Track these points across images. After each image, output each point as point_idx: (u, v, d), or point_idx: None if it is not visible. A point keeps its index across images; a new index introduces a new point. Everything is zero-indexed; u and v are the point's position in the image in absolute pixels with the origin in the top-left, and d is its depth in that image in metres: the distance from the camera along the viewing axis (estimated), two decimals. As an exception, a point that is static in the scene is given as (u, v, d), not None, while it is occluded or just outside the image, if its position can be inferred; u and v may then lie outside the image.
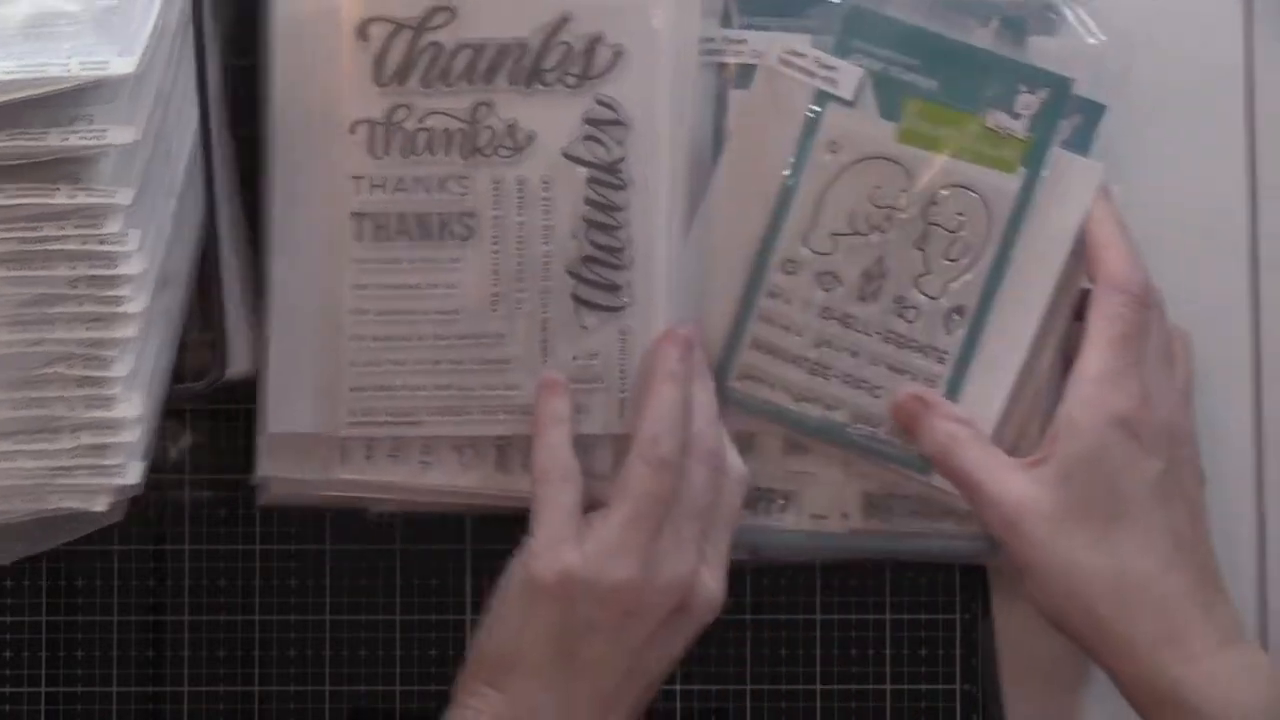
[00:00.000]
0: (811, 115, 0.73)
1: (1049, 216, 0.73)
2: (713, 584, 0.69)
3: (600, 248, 0.72)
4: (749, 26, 0.74)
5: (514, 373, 0.72)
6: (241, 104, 0.73)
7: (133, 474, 0.62)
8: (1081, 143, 0.74)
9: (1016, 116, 0.73)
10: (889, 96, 0.73)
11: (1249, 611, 0.77)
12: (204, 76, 0.65)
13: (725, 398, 0.73)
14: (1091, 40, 0.75)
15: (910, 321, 0.74)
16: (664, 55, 0.73)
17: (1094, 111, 0.74)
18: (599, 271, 0.72)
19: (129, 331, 0.61)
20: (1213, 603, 0.69)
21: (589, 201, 0.72)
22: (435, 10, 0.72)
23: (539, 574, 0.66)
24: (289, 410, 0.72)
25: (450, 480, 0.73)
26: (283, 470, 0.72)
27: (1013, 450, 0.72)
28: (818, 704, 0.78)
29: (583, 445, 0.71)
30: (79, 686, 0.77)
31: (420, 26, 0.72)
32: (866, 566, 0.78)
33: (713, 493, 0.69)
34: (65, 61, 0.59)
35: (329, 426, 0.72)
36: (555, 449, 0.69)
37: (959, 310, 0.74)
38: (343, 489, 0.73)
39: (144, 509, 0.76)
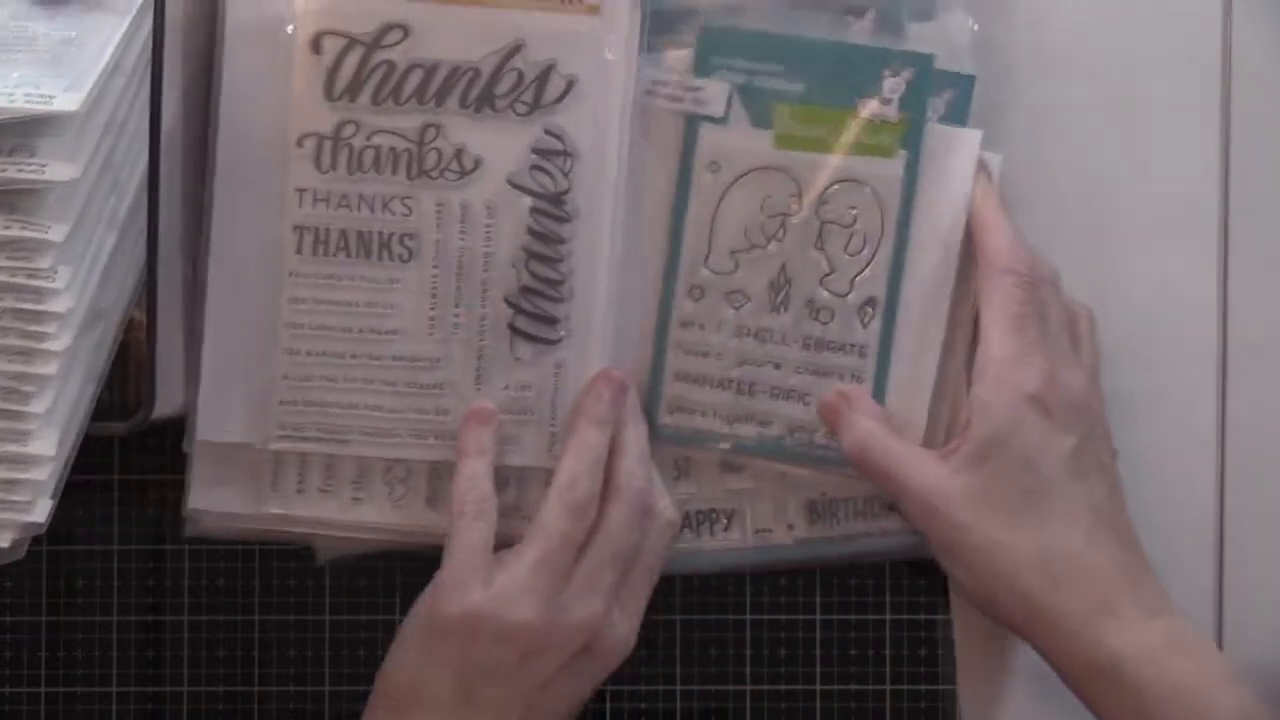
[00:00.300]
0: (687, 138, 0.73)
1: (936, 192, 0.73)
2: (623, 627, 0.69)
3: (540, 279, 0.72)
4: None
5: (447, 398, 0.72)
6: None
7: (40, 512, 0.62)
8: (958, 116, 0.73)
9: (886, 101, 0.73)
10: (758, 106, 0.73)
11: (1207, 605, 0.78)
12: (158, 111, 0.64)
13: (658, 435, 0.73)
14: (970, 22, 0.75)
15: (824, 323, 0.74)
16: (615, 88, 0.72)
17: (965, 84, 0.73)
18: (537, 303, 0.72)
19: (50, 369, 0.61)
20: (1139, 574, 0.69)
21: (531, 231, 0.72)
22: (389, 28, 0.71)
23: (442, 609, 0.67)
24: (219, 420, 0.72)
25: (381, 517, 0.73)
26: (213, 502, 0.73)
27: (950, 426, 0.73)
28: (818, 704, 0.79)
29: (513, 477, 0.72)
30: (79, 686, 0.78)
31: (373, 43, 0.71)
32: (865, 567, 0.79)
33: (635, 536, 0.70)
34: (11, 91, 0.59)
35: (258, 438, 0.72)
36: (474, 480, 0.69)
37: (870, 303, 0.73)
38: (273, 524, 0.73)
39: (144, 509, 0.77)
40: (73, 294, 0.61)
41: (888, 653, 0.79)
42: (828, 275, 0.74)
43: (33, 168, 0.58)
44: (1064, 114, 0.77)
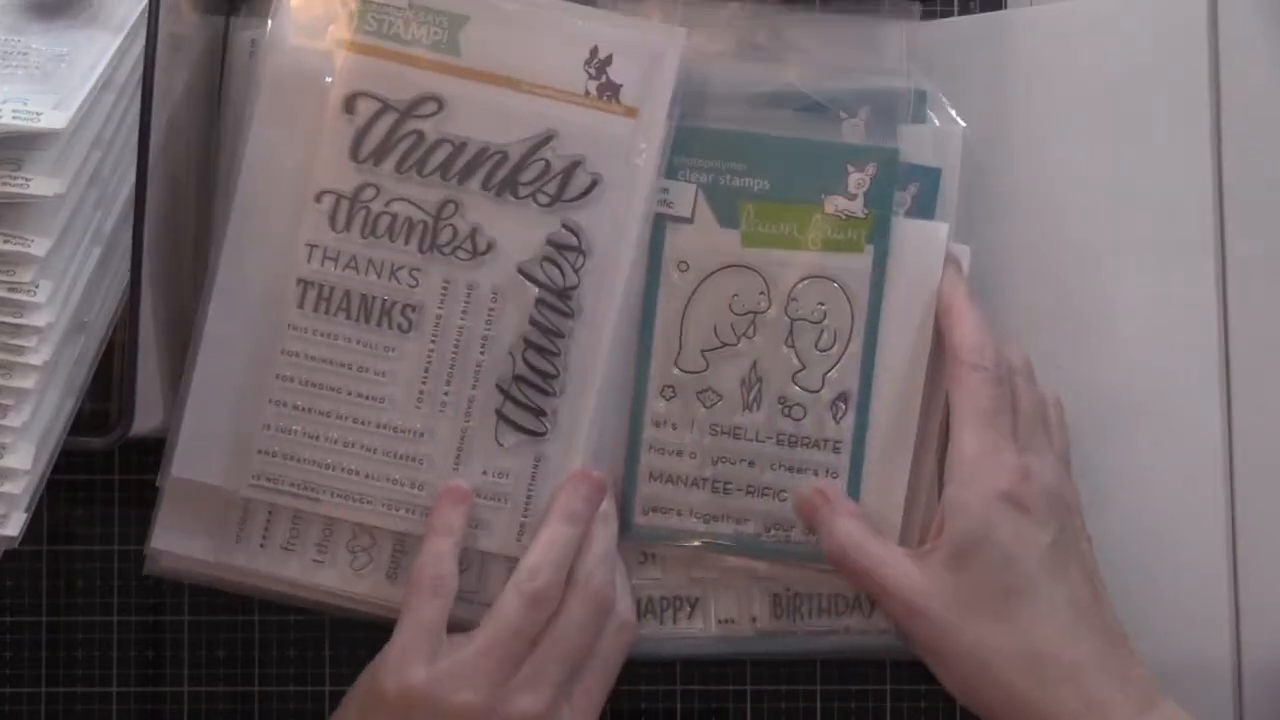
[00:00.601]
0: (655, 237, 0.73)
1: (905, 285, 0.73)
2: None
3: (534, 370, 0.71)
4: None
5: (425, 472, 0.72)
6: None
7: (13, 526, 0.61)
8: (925, 208, 0.74)
9: (852, 197, 0.73)
10: (725, 204, 0.73)
11: (1223, 620, 0.76)
12: (147, 129, 0.64)
13: (633, 535, 0.73)
14: (960, 123, 0.75)
15: (797, 420, 0.73)
16: (639, 194, 0.72)
17: (930, 176, 0.74)
18: (528, 393, 0.71)
19: (28, 383, 0.61)
20: (1126, 665, 0.68)
21: (534, 322, 0.71)
22: (424, 99, 0.71)
23: (383, 684, 0.66)
24: (196, 458, 0.72)
25: (341, 584, 0.72)
26: (176, 545, 0.72)
27: (925, 521, 0.73)
28: (818, 704, 0.79)
29: (477, 561, 0.72)
30: (79, 686, 0.78)
31: (406, 112, 0.71)
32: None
33: (591, 635, 0.69)
34: None
35: (231, 482, 0.71)
36: (438, 558, 0.69)
37: (842, 398, 0.73)
38: (232, 574, 0.73)
39: (144, 509, 0.76)
40: (54, 308, 0.61)
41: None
42: (799, 371, 0.73)
43: (18, 182, 0.59)
44: (1058, 134, 0.77)
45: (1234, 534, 0.76)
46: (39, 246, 0.59)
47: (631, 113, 0.72)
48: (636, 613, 0.73)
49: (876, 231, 0.73)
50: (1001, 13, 0.79)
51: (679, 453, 0.74)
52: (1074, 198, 0.77)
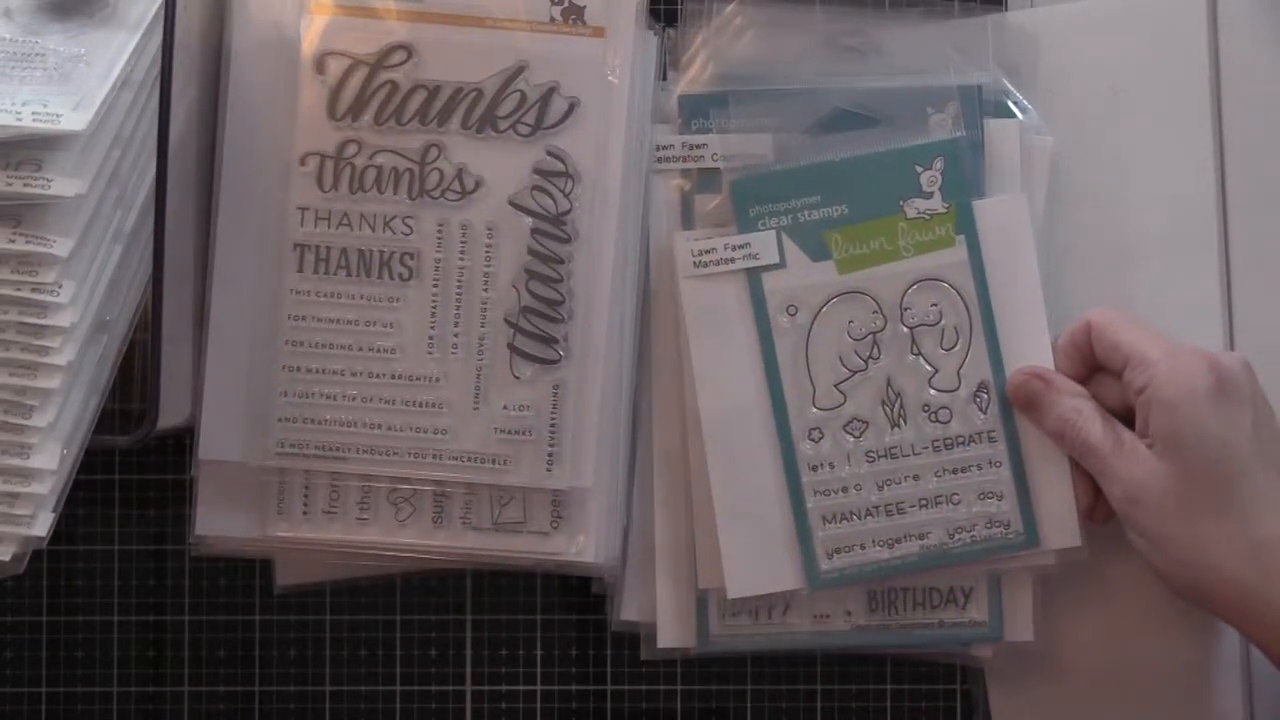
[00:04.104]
0: (754, 290, 0.73)
1: (1002, 260, 0.74)
2: None
3: (540, 299, 0.72)
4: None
5: (445, 417, 0.72)
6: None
7: (41, 525, 0.62)
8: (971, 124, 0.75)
9: (929, 195, 0.73)
10: (811, 239, 0.73)
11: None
12: (166, 126, 0.64)
13: (823, 583, 0.74)
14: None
15: (945, 422, 0.74)
16: (618, 111, 0.72)
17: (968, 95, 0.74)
18: (537, 323, 0.72)
19: (53, 383, 0.61)
20: None
21: (532, 252, 0.72)
22: (393, 49, 0.72)
23: None
24: (221, 439, 0.72)
25: (387, 536, 0.73)
26: (219, 528, 0.73)
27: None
28: (818, 704, 0.79)
29: (521, 496, 0.73)
30: (79, 686, 0.78)
31: (377, 64, 0.72)
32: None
33: None
34: (19, 110, 0.59)
35: (257, 456, 0.72)
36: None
37: (982, 388, 0.74)
38: (279, 545, 0.73)
39: (145, 509, 0.77)
40: (77, 308, 0.61)
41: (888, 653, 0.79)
42: (933, 376, 0.74)
43: (39, 182, 0.59)
44: (1058, 133, 0.78)
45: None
46: (61, 247, 0.59)
47: (599, 32, 0.72)
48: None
49: (961, 220, 0.73)
50: (1001, 13, 0.78)
51: (843, 489, 0.74)
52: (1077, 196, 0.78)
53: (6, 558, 0.62)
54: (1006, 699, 0.77)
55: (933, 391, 0.73)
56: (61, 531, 0.72)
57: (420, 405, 0.72)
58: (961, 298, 0.73)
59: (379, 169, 0.71)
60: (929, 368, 0.73)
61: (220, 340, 0.72)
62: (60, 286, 0.60)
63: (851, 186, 0.73)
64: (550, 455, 0.72)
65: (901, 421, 0.73)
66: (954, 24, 0.77)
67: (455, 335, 0.72)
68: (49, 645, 0.77)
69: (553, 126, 0.72)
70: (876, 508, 0.73)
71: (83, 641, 0.78)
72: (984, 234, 0.73)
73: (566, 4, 0.72)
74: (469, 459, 0.72)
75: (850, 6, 0.77)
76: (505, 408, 0.72)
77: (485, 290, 0.72)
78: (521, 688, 0.78)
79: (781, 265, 0.73)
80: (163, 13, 0.63)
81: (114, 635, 0.78)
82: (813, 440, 0.73)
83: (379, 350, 0.72)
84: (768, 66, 0.75)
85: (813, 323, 0.73)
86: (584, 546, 0.73)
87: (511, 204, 0.72)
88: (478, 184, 0.72)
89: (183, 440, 0.76)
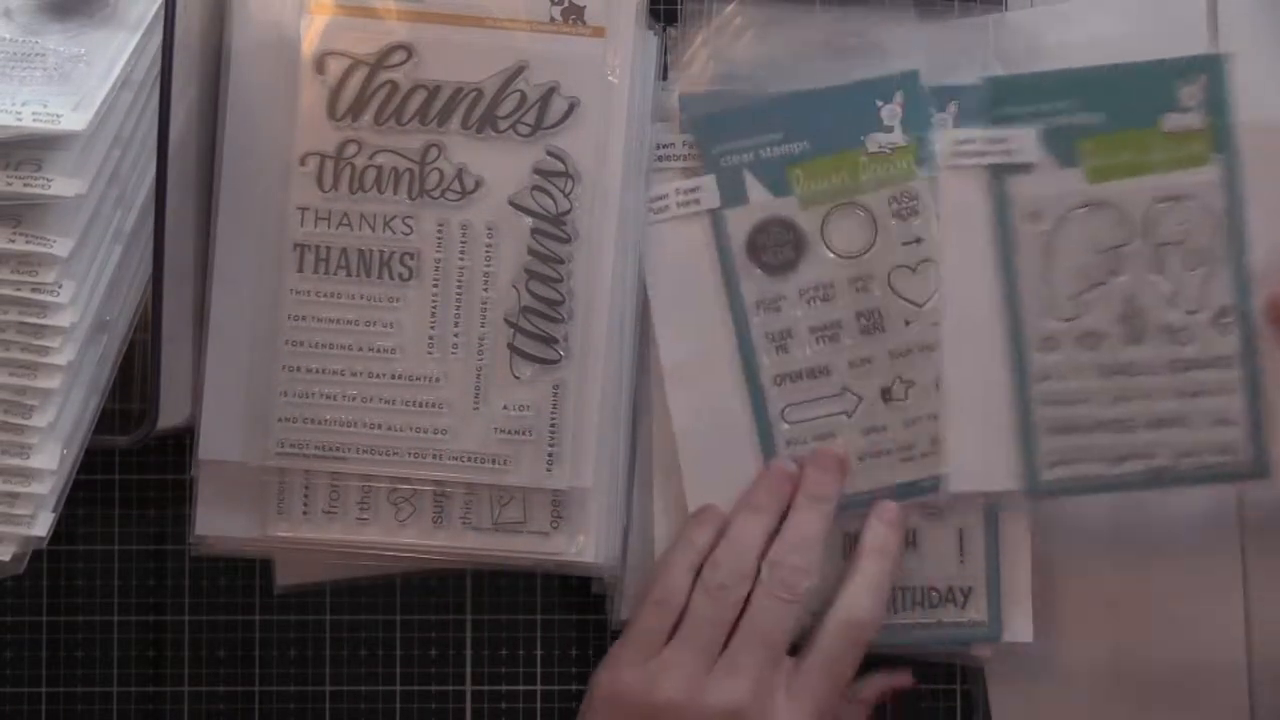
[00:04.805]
0: (996, 191, 0.73)
1: (1266, 186, 0.73)
2: (784, 716, 0.69)
3: (540, 299, 0.72)
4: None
5: (445, 417, 0.72)
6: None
7: (41, 526, 0.61)
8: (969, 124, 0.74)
9: (1186, 110, 0.73)
10: (1061, 146, 0.73)
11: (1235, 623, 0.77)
12: (166, 125, 0.64)
13: (1043, 491, 0.74)
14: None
15: (1184, 344, 0.73)
16: (618, 111, 0.72)
17: (969, 93, 0.74)
18: (537, 323, 0.72)
19: (53, 383, 0.61)
20: None
21: (532, 252, 0.72)
22: (393, 49, 0.72)
23: (596, 684, 0.70)
24: (220, 439, 0.72)
25: (387, 536, 0.73)
26: (219, 528, 0.73)
27: None
28: None
29: (515, 497, 0.73)
30: (79, 686, 0.78)
31: (377, 64, 0.72)
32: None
33: (783, 622, 0.70)
34: (19, 110, 0.59)
35: (257, 456, 0.72)
36: (672, 571, 0.71)
37: (1223, 313, 0.73)
38: (279, 545, 0.73)
39: (145, 509, 0.77)
40: (77, 308, 0.61)
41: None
42: (1175, 295, 0.73)
43: (39, 182, 0.58)
44: None
45: (1242, 534, 0.78)
46: (61, 247, 0.59)
47: (599, 32, 0.72)
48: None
49: (1220, 140, 0.73)
50: (1001, 13, 0.78)
51: (1074, 401, 0.73)
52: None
53: (6, 558, 0.61)
54: (1006, 699, 0.77)
55: (1174, 312, 0.73)
56: (61, 531, 0.71)
57: (420, 405, 0.72)
58: (1212, 219, 0.73)
59: (379, 169, 0.71)
60: (1171, 287, 0.73)
61: (220, 340, 0.72)
62: (60, 286, 0.60)
63: (1110, 96, 0.73)
64: (550, 455, 0.72)
65: (1140, 339, 0.73)
66: (954, 24, 0.76)
67: (455, 335, 0.72)
68: (49, 645, 0.77)
69: (553, 126, 0.72)
70: (1105, 423, 0.73)
71: (83, 641, 0.77)
72: (1246, 154, 0.73)
73: (566, 4, 0.72)
74: (469, 459, 0.72)
75: (850, 6, 0.76)
76: (505, 408, 0.72)
77: (485, 290, 0.72)
78: (521, 688, 0.78)
79: (1030, 170, 0.73)
80: (163, 13, 0.63)
81: (114, 635, 0.78)
82: (1047, 350, 0.73)
83: (379, 350, 0.72)
84: (768, 67, 0.75)
85: (1055, 231, 0.73)
86: (584, 546, 0.73)
87: (511, 204, 0.72)
88: (478, 184, 0.72)
89: (183, 440, 0.75)
